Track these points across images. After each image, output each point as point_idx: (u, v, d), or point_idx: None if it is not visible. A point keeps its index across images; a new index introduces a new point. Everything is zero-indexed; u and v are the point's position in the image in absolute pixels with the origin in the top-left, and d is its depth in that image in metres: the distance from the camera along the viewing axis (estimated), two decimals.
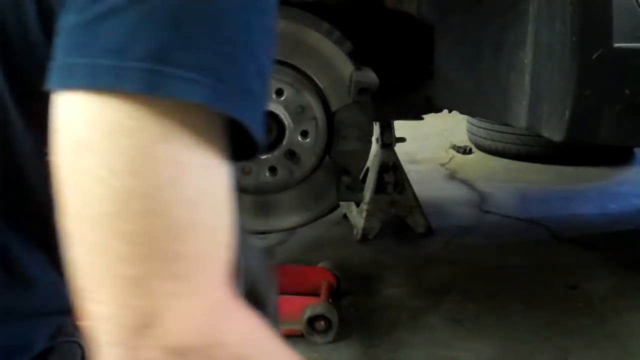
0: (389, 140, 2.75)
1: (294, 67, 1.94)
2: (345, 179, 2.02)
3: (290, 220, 2.08)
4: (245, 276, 0.80)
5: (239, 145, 0.50)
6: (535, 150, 3.78)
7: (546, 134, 1.54)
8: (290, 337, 1.85)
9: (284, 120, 1.90)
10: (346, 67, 1.97)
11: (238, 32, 0.48)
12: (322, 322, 1.89)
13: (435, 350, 1.89)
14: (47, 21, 0.52)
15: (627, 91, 1.45)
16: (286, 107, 1.91)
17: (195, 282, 0.46)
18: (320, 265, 2.19)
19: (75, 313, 0.69)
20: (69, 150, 0.46)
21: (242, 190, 1.92)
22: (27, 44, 0.53)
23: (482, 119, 3.90)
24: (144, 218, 0.44)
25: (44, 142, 0.57)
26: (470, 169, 3.82)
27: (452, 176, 3.71)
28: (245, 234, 1.06)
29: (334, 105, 2.00)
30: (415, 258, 2.53)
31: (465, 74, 1.88)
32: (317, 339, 1.90)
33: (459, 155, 4.14)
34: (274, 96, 1.89)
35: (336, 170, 2.03)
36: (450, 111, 2.41)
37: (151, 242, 0.45)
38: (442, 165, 3.94)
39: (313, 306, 1.90)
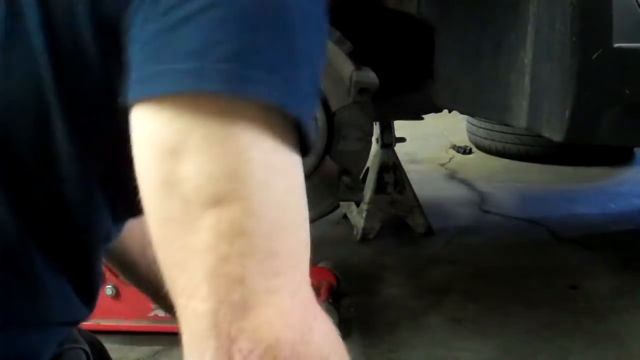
0: (389, 140, 2.75)
1: None
2: (345, 179, 2.02)
3: None
4: None
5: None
6: (535, 150, 3.78)
7: (546, 134, 1.54)
8: None
9: None
10: (346, 67, 1.97)
11: (302, 36, 0.50)
12: None
13: (435, 350, 1.89)
14: (104, 33, 0.52)
15: (627, 91, 1.45)
16: None
17: (288, 279, 0.48)
18: (320, 265, 2.19)
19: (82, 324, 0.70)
20: (159, 160, 0.48)
21: None
22: (79, 55, 0.54)
23: (482, 119, 3.90)
24: (242, 219, 0.47)
25: (90, 167, 0.58)
26: (470, 169, 3.82)
27: (452, 176, 3.72)
28: None
29: (334, 105, 2.00)
30: (415, 258, 2.53)
31: (465, 74, 1.87)
32: None
33: (459, 155, 4.14)
34: None
35: (336, 170, 2.03)
36: (450, 111, 2.41)
37: (249, 241, 0.47)
38: (442, 165, 3.94)
39: None
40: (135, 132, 0.50)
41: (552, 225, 2.85)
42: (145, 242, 0.90)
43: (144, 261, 0.93)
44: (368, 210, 2.67)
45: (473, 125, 4.09)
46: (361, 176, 2.41)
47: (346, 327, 1.94)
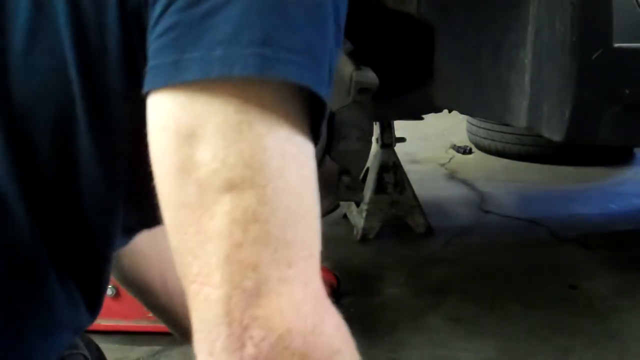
0: (389, 140, 2.75)
1: None
2: (345, 179, 2.02)
3: None
4: None
5: None
6: (535, 150, 3.78)
7: (546, 134, 1.54)
8: None
9: None
10: (346, 67, 1.97)
11: (326, 19, 0.50)
12: None
13: (435, 350, 1.89)
14: (131, 24, 0.53)
15: (627, 91, 1.44)
16: None
17: (301, 270, 0.48)
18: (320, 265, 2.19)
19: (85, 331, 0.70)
20: (176, 145, 0.48)
21: None
22: (105, 51, 0.54)
23: (482, 119, 3.90)
24: (257, 206, 0.47)
25: (108, 168, 0.58)
26: (470, 169, 3.82)
27: (452, 176, 3.71)
28: None
29: (334, 106, 2.00)
30: (415, 258, 2.53)
31: (465, 74, 1.87)
32: None
33: (459, 155, 4.14)
34: None
35: (336, 170, 2.03)
36: (450, 111, 2.41)
37: (263, 229, 0.47)
38: (442, 165, 3.94)
39: None
40: (152, 118, 0.50)
41: (552, 225, 2.85)
42: (166, 273, 0.91)
43: (164, 291, 0.93)
44: (368, 210, 2.67)
45: (473, 125, 4.09)
46: (361, 176, 2.40)
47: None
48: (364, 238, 2.66)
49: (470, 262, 2.48)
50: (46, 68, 0.55)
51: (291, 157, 0.48)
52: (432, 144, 4.29)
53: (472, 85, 1.85)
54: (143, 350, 1.85)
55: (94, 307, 0.66)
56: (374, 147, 2.50)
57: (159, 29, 0.50)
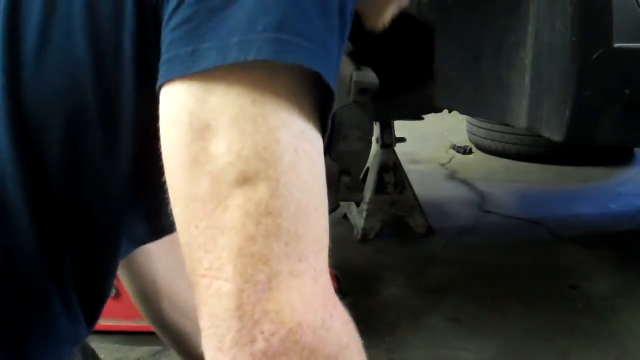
0: (389, 140, 2.75)
1: None
2: (345, 179, 2.02)
3: None
4: None
5: None
6: (535, 150, 3.78)
7: (546, 134, 1.54)
8: None
9: None
10: (346, 67, 1.97)
11: (333, 12, 0.50)
12: None
13: (435, 350, 1.89)
14: (149, 20, 0.53)
15: (627, 91, 1.44)
16: None
17: (311, 265, 0.48)
18: None
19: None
20: (190, 137, 0.47)
21: None
22: (119, 45, 0.54)
23: (482, 119, 3.90)
24: (270, 200, 0.47)
25: (117, 175, 0.57)
26: (470, 169, 3.82)
27: (452, 176, 3.71)
28: None
29: (334, 106, 2.00)
30: (415, 258, 2.53)
31: (465, 74, 1.87)
32: None
33: (459, 155, 4.14)
34: None
35: (336, 170, 2.03)
36: (450, 111, 2.41)
37: (275, 223, 0.47)
38: (442, 165, 3.94)
39: None
40: (164, 111, 0.49)
41: (552, 225, 2.85)
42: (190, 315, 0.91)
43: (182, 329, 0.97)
44: (368, 210, 2.67)
45: (473, 125, 4.09)
46: (361, 176, 2.40)
47: None
48: (364, 238, 2.66)
49: (470, 262, 2.48)
50: (58, 69, 0.54)
51: (303, 152, 0.48)
52: (432, 144, 4.29)
53: (472, 85, 1.85)
54: (143, 350, 1.85)
55: (92, 320, 0.66)
56: (374, 147, 2.50)
57: (174, 22, 0.49)
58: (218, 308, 0.46)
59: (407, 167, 2.87)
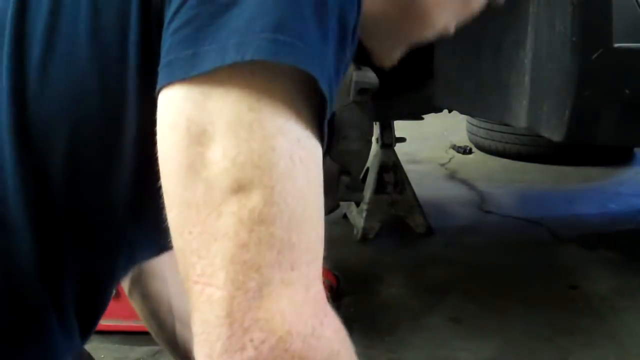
0: (389, 140, 2.75)
1: None
2: (345, 179, 2.02)
3: None
4: None
5: None
6: (535, 150, 3.78)
7: (546, 134, 1.54)
8: None
9: None
10: None
11: (333, 13, 0.50)
12: None
13: (435, 350, 1.89)
14: (154, 26, 0.52)
15: (627, 91, 1.44)
16: None
17: (303, 273, 0.48)
18: None
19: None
20: (186, 143, 0.47)
21: None
22: (125, 55, 0.54)
23: (482, 119, 3.90)
24: (264, 208, 0.46)
25: (117, 189, 0.57)
26: (470, 169, 3.82)
27: (452, 176, 3.72)
28: None
29: (334, 105, 2.00)
30: (415, 258, 2.53)
31: (465, 74, 1.87)
32: None
33: (459, 155, 4.14)
34: None
35: (336, 170, 2.03)
36: (450, 111, 2.41)
37: (268, 231, 0.46)
38: (442, 165, 3.94)
39: None
40: (162, 114, 0.49)
41: (552, 225, 2.85)
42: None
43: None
44: (368, 210, 2.67)
45: (473, 125, 4.09)
46: (361, 176, 2.40)
47: (346, 327, 1.94)
48: (364, 238, 2.66)
49: (470, 262, 2.48)
50: (63, 78, 0.54)
51: (299, 160, 0.48)
52: (432, 144, 4.29)
53: (472, 85, 1.85)
54: (143, 350, 1.85)
55: (87, 333, 0.66)
56: (374, 147, 2.50)
57: (175, 25, 0.49)
58: (209, 315, 0.47)
59: (407, 167, 2.87)
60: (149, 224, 0.57)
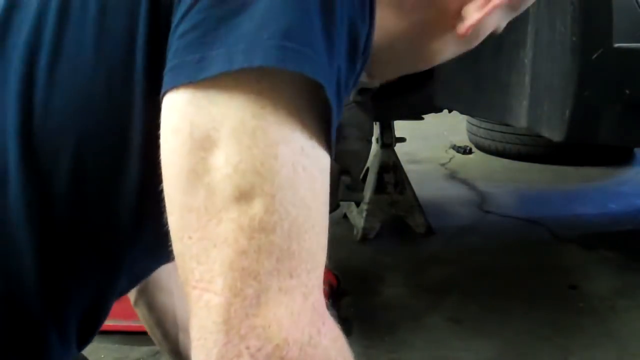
0: (389, 140, 2.75)
1: None
2: (345, 179, 2.02)
3: None
4: None
5: None
6: (535, 150, 3.78)
7: (546, 134, 1.54)
8: None
9: None
10: None
11: (343, 23, 0.50)
12: None
13: (435, 350, 1.89)
14: (163, 29, 0.52)
15: (627, 91, 1.44)
16: None
17: (302, 281, 0.48)
18: None
19: None
20: (189, 148, 0.47)
21: None
22: (132, 60, 0.53)
23: (482, 119, 3.90)
24: (264, 215, 0.46)
25: (118, 204, 0.57)
26: (470, 169, 3.82)
27: (452, 176, 3.71)
28: None
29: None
30: (415, 258, 2.53)
31: (465, 74, 1.87)
32: None
33: (459, 155, 4.14)
34: None
35: (336, 170, 2.03)
36: (450, 111, 2.41)
37: (267, 239, 0.46)
38: (442, 165, 3.94)
39: None
40: (166, 118, 0.49)
41: (552, 225, 2.85)
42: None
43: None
44: (368, 210, 2.67)
45: (473, 125, 4.09)
46: (361, 176, 2.40)
47: (346, 327, 1.94)
48: (364, 238, 2.66)
49: (470, 262, 2.48)
50: (70, 86, 0.54)
51: (302, 169, 0.48)
52: (432, 144, 4.29)
53: (472, 85, 1.85)
54: (143, 350, 1.85)
55: (84, 343, 0.66)
56: (374, 147, 2.50)
57: (182, 28, 0.49)
58: (206, 320, 0.47)
59: (407, 167, 2.87)
60: (151, 232, 0.57)
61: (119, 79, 0.54)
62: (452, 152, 4.20)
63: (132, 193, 0.57)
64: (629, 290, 2.22)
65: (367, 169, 2.72)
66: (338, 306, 2.03)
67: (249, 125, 0.47)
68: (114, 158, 0.55)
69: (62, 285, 0.59)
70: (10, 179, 0.55)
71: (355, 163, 2.07)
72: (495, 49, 1.70)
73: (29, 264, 0.56)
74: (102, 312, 0.65)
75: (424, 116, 2.62)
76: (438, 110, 2.39)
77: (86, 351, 0.76)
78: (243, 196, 0.46)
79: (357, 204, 2.66)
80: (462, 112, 2.37)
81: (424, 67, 0.70)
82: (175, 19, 0.50)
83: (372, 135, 2.13)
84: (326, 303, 0.51)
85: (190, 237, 0.47)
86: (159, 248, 0.52)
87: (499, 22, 0.67)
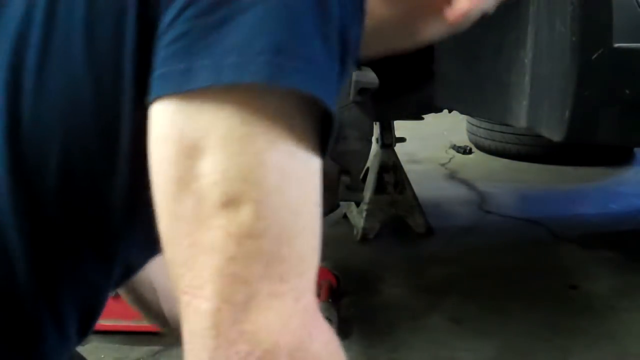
0: (389, 140, 2.75)
1: None
2: (345, 179, 2.02)
3: None
4: None
5: None
6: (535, 150, 3.78)
7: (546, 134, 1.54)
8: None
9: None
10: None
11: (337, 34, 0.50)
12: None
13: (435, 350, 1.89)
14: (147, 35, 0.51)
15: (627, 91, 1.44)
16: None
17: (292, 286, 0.48)
18: (320, 265, 2.19)
19: None
20: (177, 156, 0.47)
21: None
22: (120, 64, 0.53)
23: (482, 119, 3.90)
24: (252, 222, 0.46)
25: (110, 202, 0.56)
26: (470, 169, 3.82)
27: (452, 176, 3.72)
28: None
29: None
30: (415, 258, 2.53)
31: (465, 74, 1.87)
32: None
33: (459, 155, 4.14)
34: None
35: (336, 170, 2.03)
36: (450, 111, 2.41)
37: (256, 244, 0.47)
38: (442, 165, 3.94)
39: None
40: (155, 126, 0.49)
41: (552, 225, 2.85)
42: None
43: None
44: (368, 210, 2.67)
45: (473, 125, 4.09)
46: (361, 176, 2.40)
47: (346, 327, 1.94)
48: (364, 238, 2.66)
49: (470, 262, 2.48)
50: (57, 91, 0.53)
51: (291, 173, 0.48)
52: (432, 144, 4.29)
53: (472, 85, 1.85)
54: (143, 350, 1.85)
55: (83, 335, 0.66)
56: (374, 147, 2.50)
57: (169, 36, 0.49)
58: (196, 326, 0.47)
59: (407, 167, 2.87)
60: (143, 227, 0.57)
61: (108, 84, 0.53)
62: (452, 152, 4.20)
63: (122, 195, 0.57)
64: (629, 290, 2.22)
65: (367, 169, 2.72)
66: (338, 306, 2.02)
67: (238, 132, 0.47)
68: (103, 162, 0.55)
69: (56, 280, 0.58)
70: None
71: (355, 163, 2.07)
72: (495, 49, 1.70)
73: (21, 263, 0.56)
74: (99, 305, 0.65)
75: (424, 116, 2.62)
76: (438, 110, 2.39)
77: (86, 351, 0.76)
78: (231, 202, 0.46)
79: (357, 204, 2.66)
80: (462, 112, 2.37)
81: (410, 47, 0.70)
82: (161, 27, 0.50)
83: (372, 135, 2.12)
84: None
85: (179, 244, 0.48)
86: (152, 240, 0.52)
87: (489, 4, 0.67)
